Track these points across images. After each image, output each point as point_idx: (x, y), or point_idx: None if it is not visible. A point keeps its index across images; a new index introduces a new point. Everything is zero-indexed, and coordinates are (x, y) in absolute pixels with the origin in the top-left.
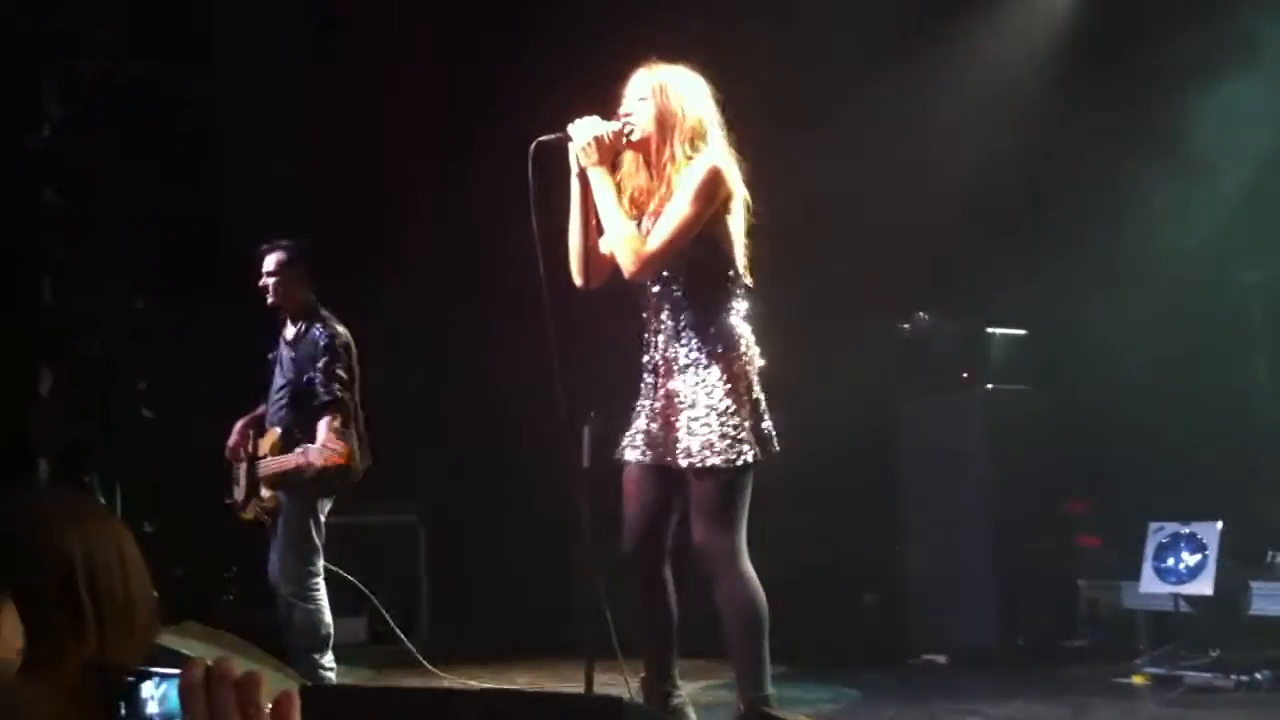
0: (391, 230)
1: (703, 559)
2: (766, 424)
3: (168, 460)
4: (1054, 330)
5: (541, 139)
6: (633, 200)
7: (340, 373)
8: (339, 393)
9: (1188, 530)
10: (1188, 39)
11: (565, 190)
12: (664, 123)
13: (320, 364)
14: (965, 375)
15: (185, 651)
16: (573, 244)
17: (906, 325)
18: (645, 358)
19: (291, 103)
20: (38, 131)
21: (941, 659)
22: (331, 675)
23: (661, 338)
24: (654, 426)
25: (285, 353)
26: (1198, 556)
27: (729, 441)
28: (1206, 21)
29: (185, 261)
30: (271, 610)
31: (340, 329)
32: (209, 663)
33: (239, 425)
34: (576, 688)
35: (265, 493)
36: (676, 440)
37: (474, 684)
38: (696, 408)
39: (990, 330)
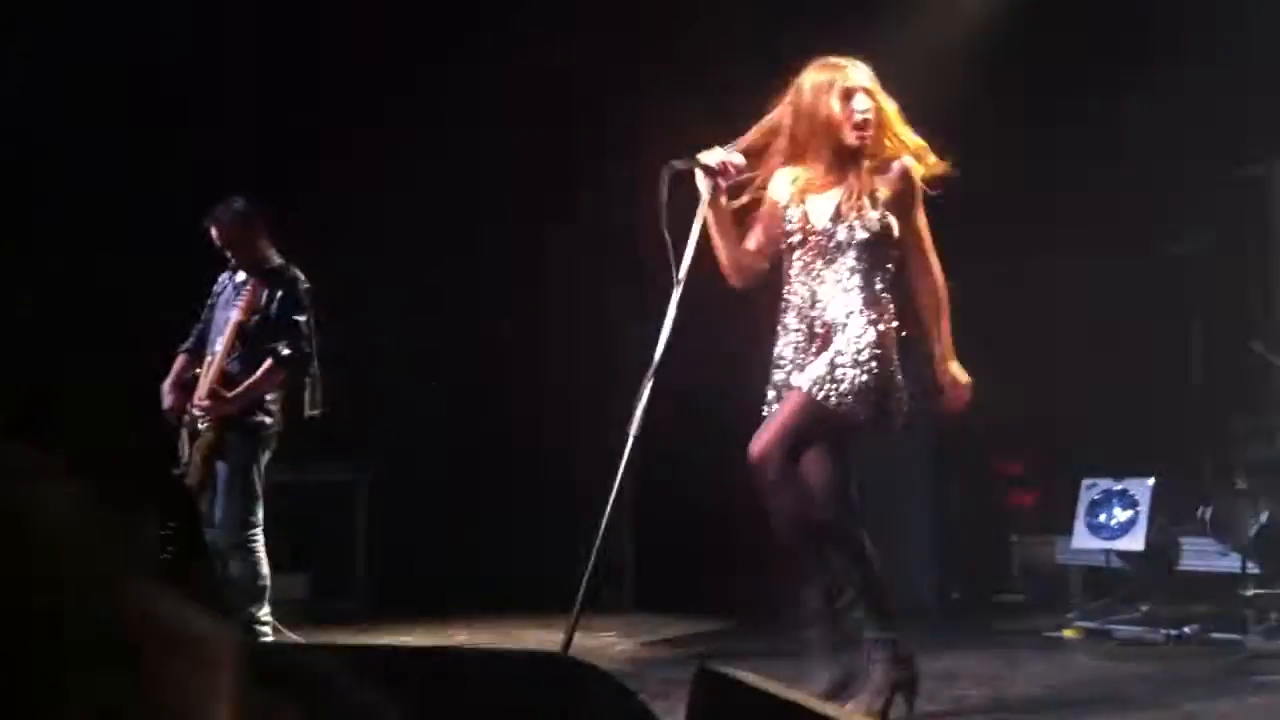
0: (329, 187)
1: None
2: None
3: (107, 417)
4: (991, 288)
5: (675, 164)
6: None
7: (301, 325)
8: (284, 351)
9: (1120, 487)
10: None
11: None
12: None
13: (289, 316)
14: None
15: None
16: (721, 257)
17: None
18: None
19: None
20: None
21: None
22: (268, 630)
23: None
24: None
25: (231, 293)
26: (1130, 512)
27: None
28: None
29: (126, 218)
30: (210, 565)
31: (298, 277)
32: None
33: (169, 384)
34: (516, 646)
35: (203, 425)
36: None
37: (414, 642)
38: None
39: None
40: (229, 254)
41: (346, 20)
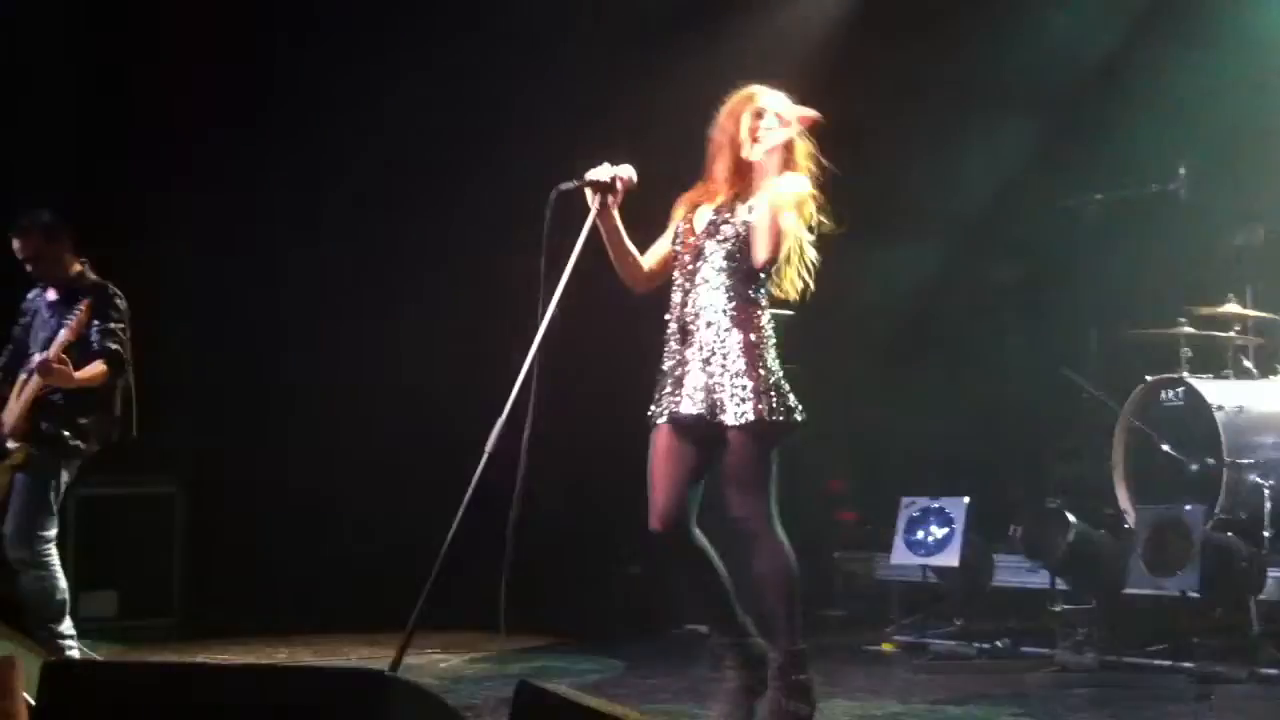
0: (149, 190)
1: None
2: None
3: None
4: (818, 311)
5: (562, 186)
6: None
7: (118, 330)
8: (112, 346)
9: (937, 505)
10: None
11: None
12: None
13: (98, 321)
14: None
15: None
16: (617, 269)
17: None
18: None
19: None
20: None
21: (704, 628)
22: (71, 643)
23: None
24: None
25: (46, 313)
26: (945, 530)
27: None
28: None
29: None
30: (12, 582)
31: (117, 292)
32: None
33: None
34: (338, 664)
35: (12, 444)
36: None
37: (229, 659)
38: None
39: None
40: (32, 268)
41: None
